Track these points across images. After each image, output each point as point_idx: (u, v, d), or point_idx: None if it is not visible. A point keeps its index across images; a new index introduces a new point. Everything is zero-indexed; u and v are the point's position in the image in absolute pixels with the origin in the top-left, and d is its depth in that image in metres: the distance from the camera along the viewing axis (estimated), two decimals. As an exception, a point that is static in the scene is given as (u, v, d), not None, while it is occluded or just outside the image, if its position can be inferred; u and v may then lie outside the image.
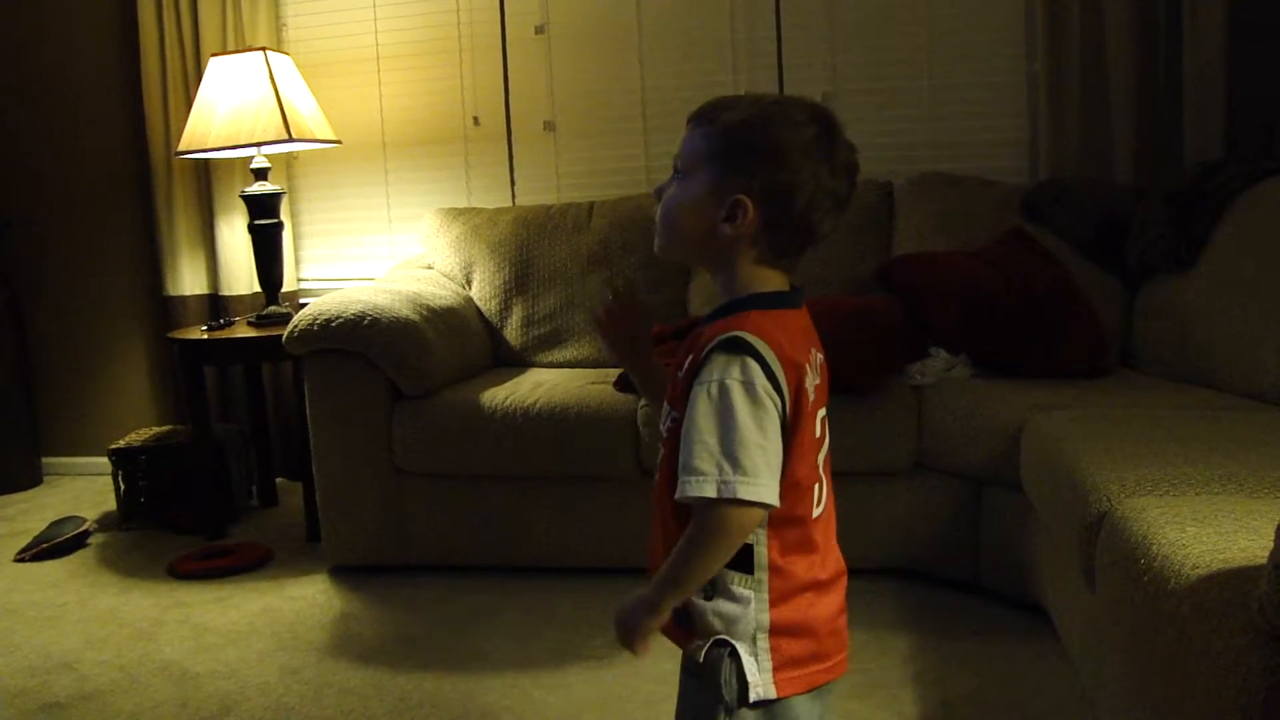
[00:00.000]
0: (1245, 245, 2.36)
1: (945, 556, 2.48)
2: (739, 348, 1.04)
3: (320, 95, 3.46)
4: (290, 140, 3.12)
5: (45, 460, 3.99)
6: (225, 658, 2.32)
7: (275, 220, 3.29)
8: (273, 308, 3.30)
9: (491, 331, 3.22)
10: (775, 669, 1.08)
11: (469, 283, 3.28)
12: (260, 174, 3.28)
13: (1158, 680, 1.28)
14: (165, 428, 3.62)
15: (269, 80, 3.15)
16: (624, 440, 2.55)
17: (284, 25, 3.69)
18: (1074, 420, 2.08)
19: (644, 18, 3.42)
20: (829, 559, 1.14)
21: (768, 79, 3.32)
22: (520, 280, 3.21)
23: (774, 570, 1.08)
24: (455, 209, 3.44)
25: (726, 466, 1.01)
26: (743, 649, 1.08)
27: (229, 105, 3.15)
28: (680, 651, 1.13)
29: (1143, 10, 2.91)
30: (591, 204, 3.31)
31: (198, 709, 2.08)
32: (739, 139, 1.08)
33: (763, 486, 1.02)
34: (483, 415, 2.63)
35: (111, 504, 3.46)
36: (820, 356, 1.16)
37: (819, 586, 1.11)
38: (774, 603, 1.08)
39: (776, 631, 1.08)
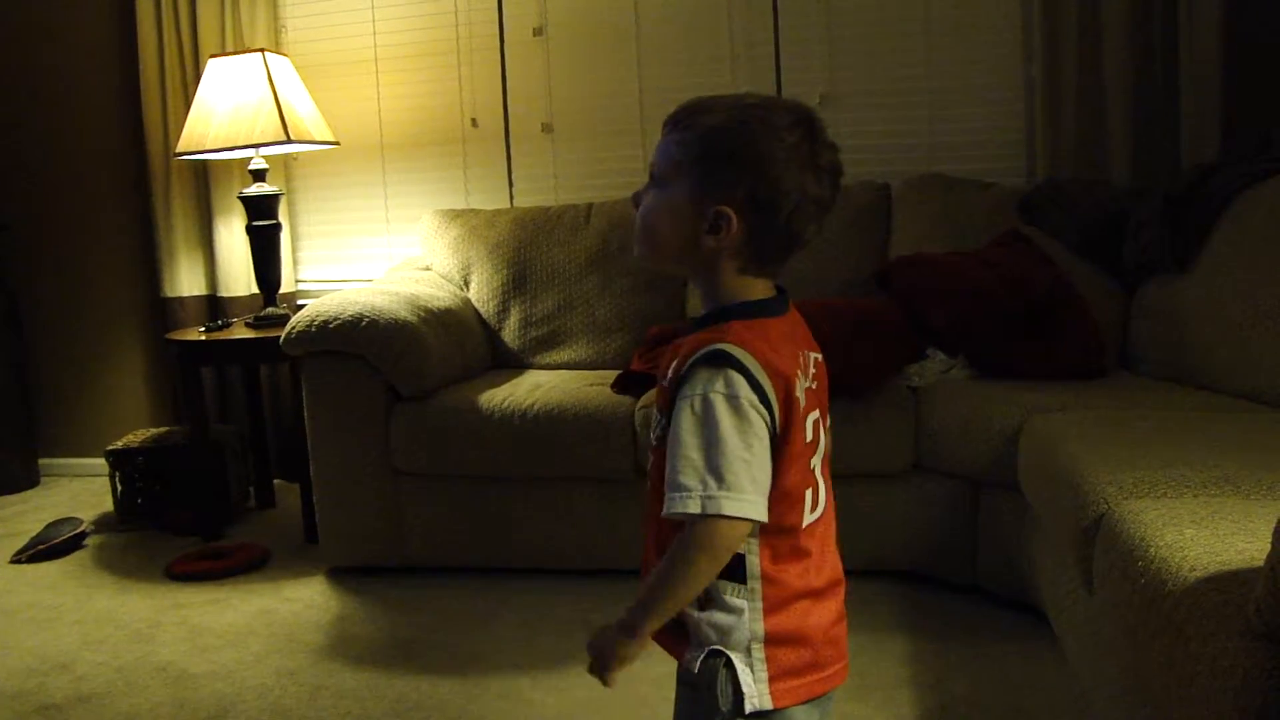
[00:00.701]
0: (1242, 247, 2.36)
1: (943, 558, 2.48)
2: (722, 360, 1.02)
3: (319, 97, 3.46)
4: (289, 142, 3.12)
5: (42, 461, 3.99)
6: (222, 659, 2.31)
7: (273, 221, 3.29)
8: (271, 309, 3.29)
9: (489, 333, 3.22)
10: (771, 679, 1.07)
11: (467, 284, 3.28)
12: (258, 175, 3.27)
13: (1155, 682, 1.28)
14: (163, 429, 3.62)
15: (267, 82, 3.15)
16: (621, 442, 2.55)
17: (282, 27, 3.69)
18: (1071, 422, 2.08)
19: (642, 20, 3.42)
20: (825, 566, 1.12)
21: (765, 81, 3.32)
22: (518, 282, 3.21)
23: (767, 579, 1.07)
24: (453, 210, 3.43)
25: (710, 481, 0.99)
26: (738, 659, 1.06)
27: (227, 107, 3.15)
28: (657, 665, 1.12)
29: (1139, 12, 2.91)
30: (589, 206, 3.31)
31: (194, 710, 2.08)
32: (719, 147, 1.05)
33: (747, 501, 1.00)
34: (481, 417, 2.63)
35: (109, 505, 3.46)
36: (816, 357, 1.14)
37: (814, 594, 1.10)
38: (768, 612, 1.07)
39: (771, 641, 1.07)
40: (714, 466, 1.00)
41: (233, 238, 3.67)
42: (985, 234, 2.83)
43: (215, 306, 3.75)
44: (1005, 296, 2.55)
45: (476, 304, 3.24)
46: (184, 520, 3.24)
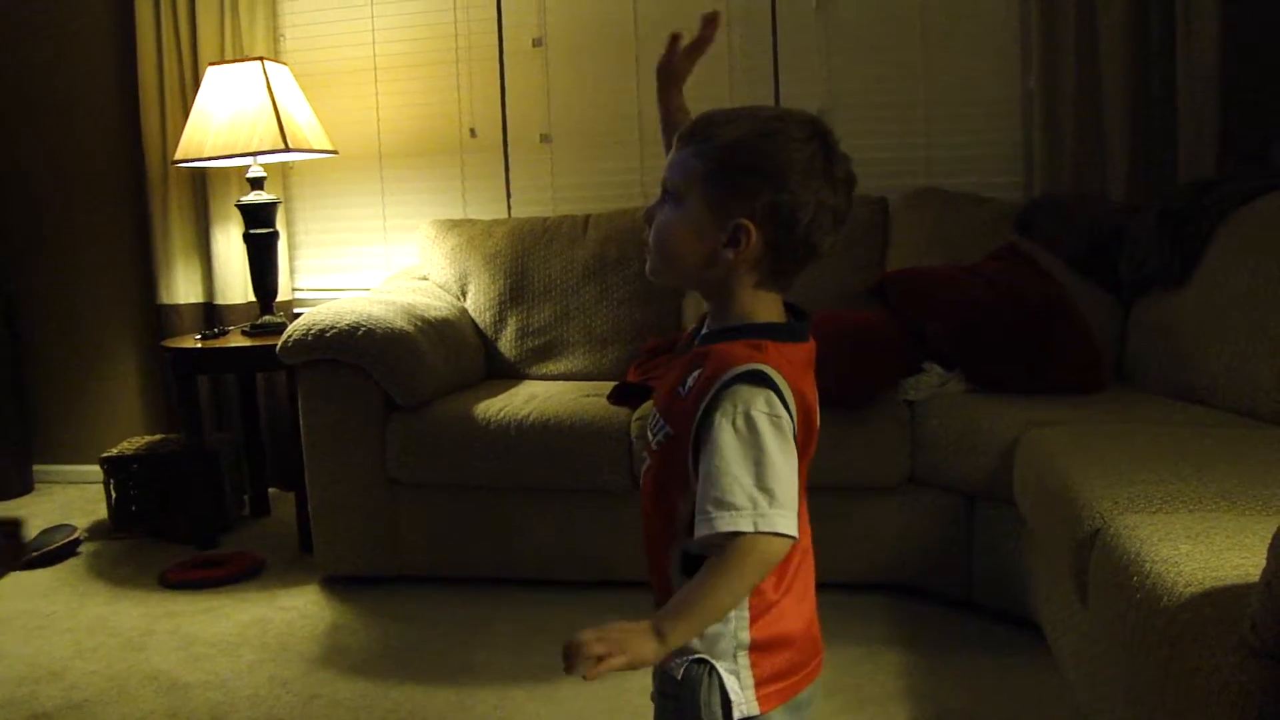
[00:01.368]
0: (1239, 262, 2.36)
1: (938, 572, 2.48)
2: (762, 380, 1.02)
3: (317, 105, 3.47)
4: (287, 150, 3.13)
5: (36, 468, 3.97)
6: (215, 668, 2.30)
7: (271, 230, 3.29)
8: (267, 317, 3.29)
9: (486, 343, 3.22)
10: (757, 684, 1.07)
11: (464, 294, 3.28)
12: (256, 183, 3.28)
13: (1151, 697, 1.28)
14: (158, 436, 3.61)
15: (266, 90, 3.16)
16: (617, 453, 2.55)
17: (282, 35, 3.70)
18: (1067, 436, 2.08)
19: (641, 32, 3.43)
20: (804, 568, 1.13)
21: (764, 94, 3.32)
22: (515, 292, 3.21)
23: (755, 590, 1.06)
24: (451, 220, 3.44)
25: (761, 500, 0.99)
26: (722, 667, 1.06)
27: (226, 114, 3.16)
28: (649, 675, 1.11)
29: (1137, 26, 2.92)
30: (587, 217, 3.31)
31: (187, 719, 2.07)
32: (738, 159, 1.04)
33: (791, 519, 1.01)
34: (476, 427, 2.62)
35: (103, 513, 3.45)
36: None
37: (794, 595, 1.10)
38: (754, 619, 1.07)
39: (756, 647, 1.07)
40: (765, 485, 1.00)
41: (230, 245, 3.66)
42: (982, 248, 2.83)
43: (212, 314, 3.74)
44: (1002, 310, 2.55)
45: (473, 314, 3.24)
46: (178, 528, 3.23)
